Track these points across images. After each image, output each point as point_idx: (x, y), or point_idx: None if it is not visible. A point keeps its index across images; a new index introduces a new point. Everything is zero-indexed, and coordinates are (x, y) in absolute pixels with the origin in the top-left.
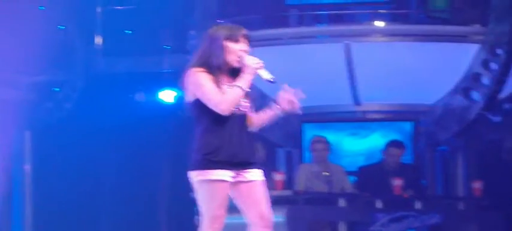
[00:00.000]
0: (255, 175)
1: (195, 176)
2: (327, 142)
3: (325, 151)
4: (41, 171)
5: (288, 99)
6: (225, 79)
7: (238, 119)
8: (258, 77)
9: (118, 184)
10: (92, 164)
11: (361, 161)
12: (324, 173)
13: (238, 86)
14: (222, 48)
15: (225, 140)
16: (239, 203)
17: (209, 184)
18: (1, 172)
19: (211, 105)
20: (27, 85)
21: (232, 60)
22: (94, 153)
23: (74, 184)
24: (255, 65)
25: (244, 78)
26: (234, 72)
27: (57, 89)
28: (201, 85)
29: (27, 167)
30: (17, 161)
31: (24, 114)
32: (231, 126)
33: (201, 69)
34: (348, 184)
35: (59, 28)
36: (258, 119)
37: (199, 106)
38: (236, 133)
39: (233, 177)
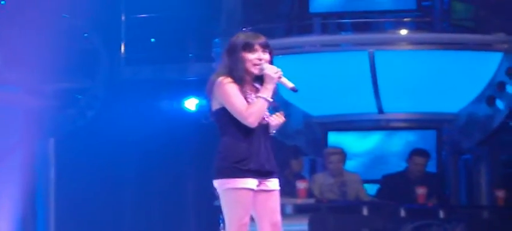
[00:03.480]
0: (274, 184)
1: (221, 184)
2: (342, 153)
3: (340, 162)
4: (64, 178)
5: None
6: (249, 87)
7: (262, 128)
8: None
9: (141, 191)
10: (115, 172)
11: (384, 169)
12: (337, 184)
13: (262, 97)
14: (240, 60)
15: (254, 150)
16: (254, 210)
17: (236, 192)
18: (26, 178)
19: (240, 118)
20: (51, 93)
21: (252, 68)
22: (117, 160)
23: (97, 190)
24: (274, 75)
25: (266, 88)
26: (258, 78)
27: (80, 96)
28: (229, 96)
29: (51, 174)
30: (41, 168)
31: (48, 121)
32: (258, 135)
33: (228, 79)
34: (364, 193)
35: (83, 36)
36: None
37: (226, 115)
38: (262, 143)
39: (257, 185)
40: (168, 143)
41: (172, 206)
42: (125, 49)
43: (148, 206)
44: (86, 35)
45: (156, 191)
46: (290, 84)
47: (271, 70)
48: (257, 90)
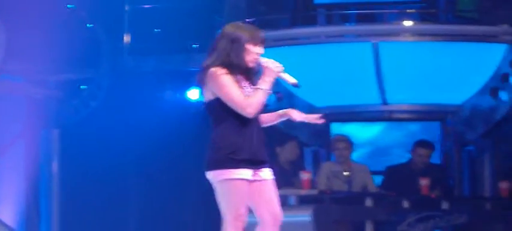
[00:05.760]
0: (267, 173)
1: (216, 176)
2: (348, 141)
3: (347, 150)
4: (68, 168)
5: (304, 119)
6: (239, 77)
7: (255, 118)
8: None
9: (145, 181)
10: (119, 162)
11: (388, 161)
12: (344, 172)
13: (262, 89)
14: (244, 50)
15: (247, 140)
16: (251, 201)
17: (231, 183)
18: (29, 169)
19: (237, 108)
20: (55, 83)
21: (250, 61)
22: (121, 151)
23: (100, 181)
24: (276, 69)
25: (266, 81)
26: (248, 71)
27: (84, 87)
28: (226, 86)
29: (55, 165)
30: (45, 158)
31: (51, 112)
32: (251, 125)
33: (223, 70)
34: (372, 184)
35: (87, 26)
36: (267, 118)
37: (220, 105)
38: (255, 132)
39: (252, 175)
40: (171, 133)
41: (176, 195)
42: (129, 39)
43: (152, 195)
44: (89, 25)
45: (159, 181)
46: (292, 80)
47: (273, 64)
48: (246, 80)
